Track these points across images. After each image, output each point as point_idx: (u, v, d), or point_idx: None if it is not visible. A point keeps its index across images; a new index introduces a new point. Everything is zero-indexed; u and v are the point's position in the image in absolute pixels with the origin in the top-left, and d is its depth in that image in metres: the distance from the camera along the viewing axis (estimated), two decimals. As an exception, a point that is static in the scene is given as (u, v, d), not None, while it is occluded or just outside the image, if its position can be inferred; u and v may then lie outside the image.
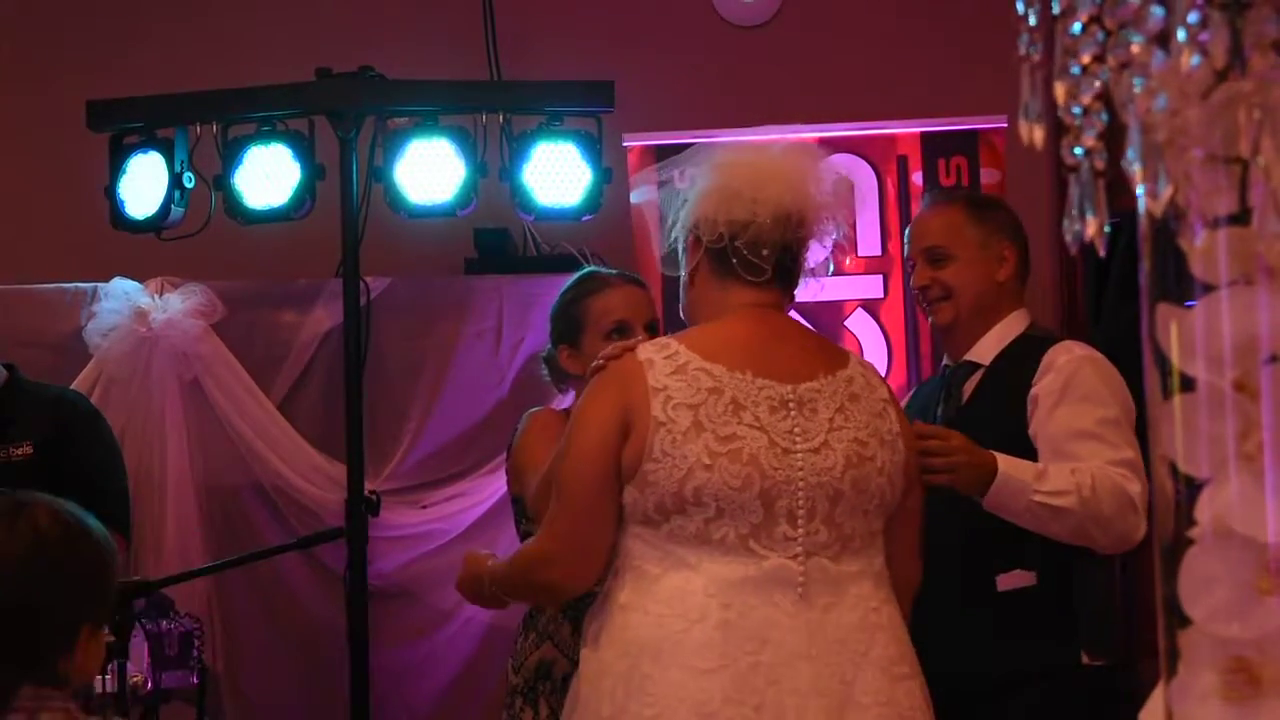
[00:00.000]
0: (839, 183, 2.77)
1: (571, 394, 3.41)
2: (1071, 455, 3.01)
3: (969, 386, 3.24)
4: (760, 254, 2.65)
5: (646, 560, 2.57)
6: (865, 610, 2.58)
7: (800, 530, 2.55)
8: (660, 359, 2.59)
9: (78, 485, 3.84)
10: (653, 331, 3.21)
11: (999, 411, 3.15)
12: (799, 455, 2.56)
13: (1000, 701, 3.09)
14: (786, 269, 2.69)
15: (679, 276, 2.78)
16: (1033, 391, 3.10)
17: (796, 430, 2.58)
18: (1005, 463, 2.94)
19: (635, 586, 2.57)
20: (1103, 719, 3.09)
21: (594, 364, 2.75)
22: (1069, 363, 3.10)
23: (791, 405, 2.59)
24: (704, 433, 2.53)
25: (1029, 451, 3.05)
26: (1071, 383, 3.07)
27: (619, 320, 3.22)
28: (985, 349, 3.24)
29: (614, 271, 3.41)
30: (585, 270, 3.42)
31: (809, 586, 2.54)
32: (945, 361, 3.38)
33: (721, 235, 2.65)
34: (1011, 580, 3.08)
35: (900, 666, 2.59)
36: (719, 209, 2.65)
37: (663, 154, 4.42)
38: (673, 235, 2.75)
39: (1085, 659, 3.10)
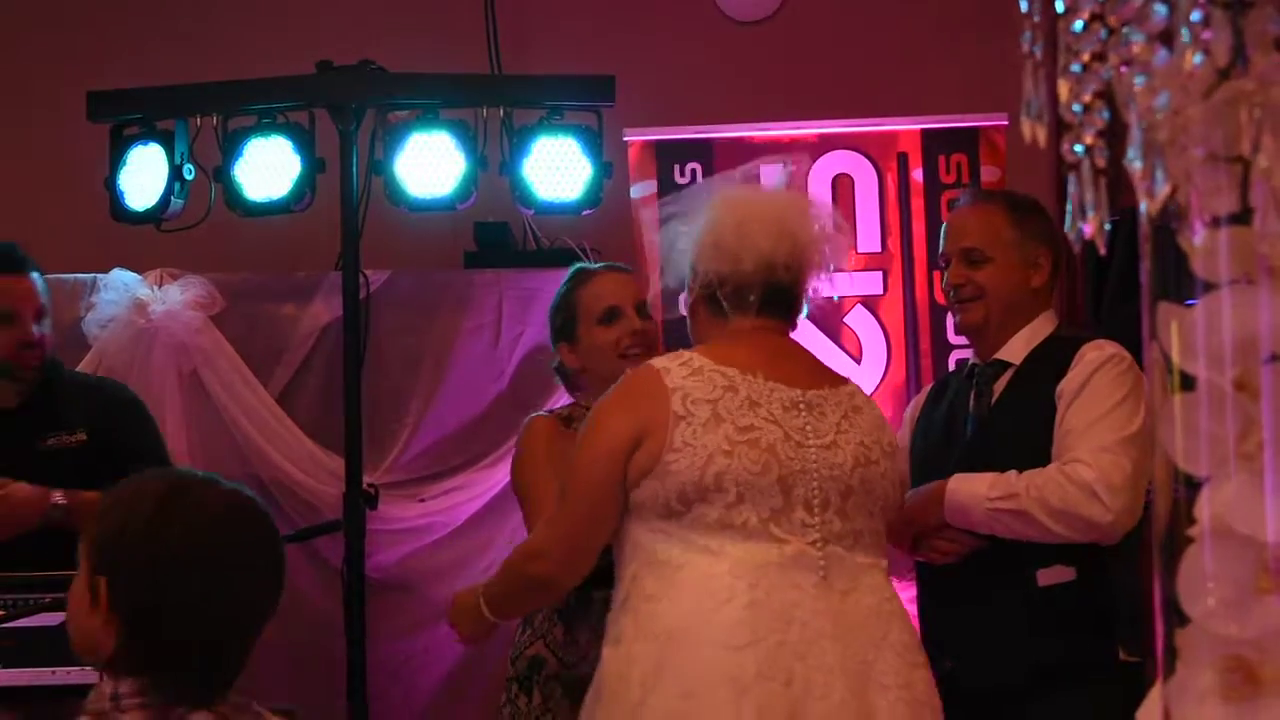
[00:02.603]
0: (822, 233, 2.87)
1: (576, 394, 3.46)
2: (1068, 451, 3.07)
3: (999, 385, 3.27)
4: (747, 299, 2.80)
5: (669, 553, 2.66)
6: (880, 598, 2.70)
7: (817, 518, 2.67)
8: (675, 365, 2.73)
9: (136, 469, 3.82)
10: (643, 312, 3.31)
11: (1028, 409, 3.19)
12: (812, 449, 2.70)
13: (1037, 697, 3.10)
14: (776, 303, 2.83)
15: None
16: (1059, 387, 3.14)
17: (808, 428, 2.72)
18: (956, 482, 3.11)
19: (659, 578, 2.65)
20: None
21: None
22: (1095, 359, 3.15)
23: (801, 406, 2.73)
24: (723, 423, 2.66)
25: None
26: (1090, 379, 3.12)
27: (608, 305, 3.33)
28: (1015, 349, 3.27)
29: (599, 264, 3.49)
30: (574, 267, 3.53)
31: (829, 571, 2.65)
32: (972, 360, 3.39)
33: (710, 284, 2.82)
34: (1052, 575, 3.11)
35: (915, 654, 2.71)
36: (700, 261, 2.82)
37: (663, 149, 4.44)
38: (673, 271, 2.91)
39: (1123, 655, 3.12)
